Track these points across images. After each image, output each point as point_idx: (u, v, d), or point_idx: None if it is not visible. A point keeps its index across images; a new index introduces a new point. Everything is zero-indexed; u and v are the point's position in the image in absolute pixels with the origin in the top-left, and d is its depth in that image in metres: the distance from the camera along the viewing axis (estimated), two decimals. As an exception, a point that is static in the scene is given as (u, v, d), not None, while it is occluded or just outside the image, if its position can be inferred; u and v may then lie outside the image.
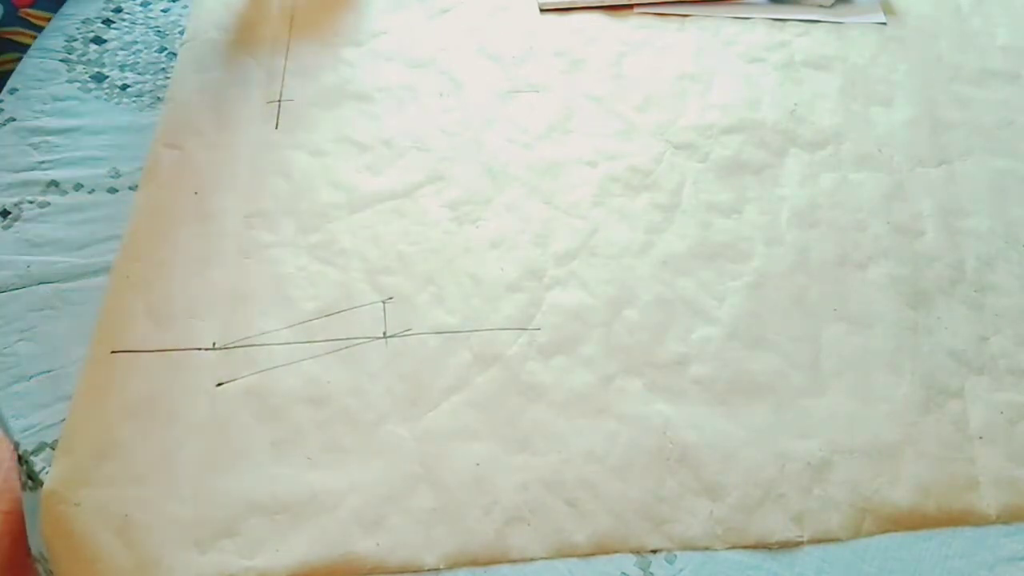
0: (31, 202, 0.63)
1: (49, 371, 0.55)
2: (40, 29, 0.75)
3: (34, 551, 0.51)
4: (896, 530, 0.50)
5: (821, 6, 0.79)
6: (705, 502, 0.51)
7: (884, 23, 0.78)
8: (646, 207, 0.64)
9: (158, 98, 0.71)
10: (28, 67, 0.72)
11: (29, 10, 0.74)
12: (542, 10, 0.79)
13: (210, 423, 0.52)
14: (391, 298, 0.59)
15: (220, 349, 0.56)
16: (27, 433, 0.52)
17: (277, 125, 0.69)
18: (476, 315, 0.58)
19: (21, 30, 0.78)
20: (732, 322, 0.58)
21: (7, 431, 0.52)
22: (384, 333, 0.57)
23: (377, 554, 0.48)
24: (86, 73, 0.72)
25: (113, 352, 0.55)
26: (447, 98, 0.71)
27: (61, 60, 0.73)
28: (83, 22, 0.76)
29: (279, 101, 0.70)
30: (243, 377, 0.54)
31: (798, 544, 0.50)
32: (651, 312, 0.59)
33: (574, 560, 0.49)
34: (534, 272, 0.60)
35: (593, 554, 0.49)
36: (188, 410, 0.53)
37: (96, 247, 0.61)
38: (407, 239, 0.62)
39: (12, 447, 0.52)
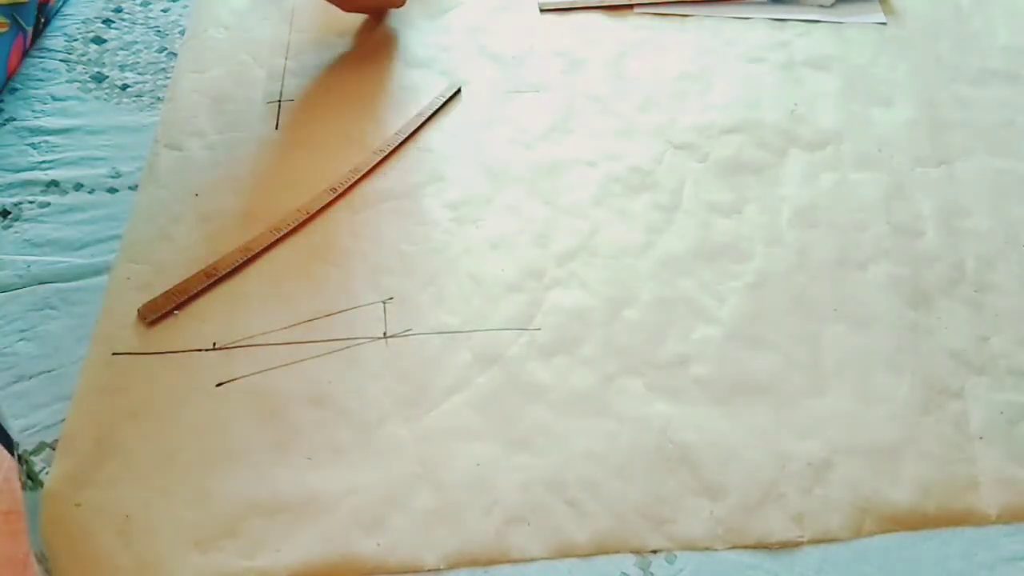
0: (31, 202, 0.63)
1: (49, 371, 0.55)
2: None
3: (34, 551, 0.51)
4: (896, 530, 0.50)
5: (821, 6, 0.79)
6: (705, 502, 0.51)
7: (884, 23, 0.78)
8: (646, 207, 0.64)
9: (158, 98, 0.71)
10: (28, 67, 0.72)
11: None
12: (542, 10, 0.79)
13: (210, 423, 0.52)
14: (391, 298, 0.59)
15: (220, 349, 0.56)
16: (27, 433, 0.52)
17: (277, 125, 0.69)
18: (476, 315, 0.58)
19: None
20: (732, 322, 0.58)
21: (7, 431, 0.52)
22: (384, 333, 0.57)
23: (377, 554, 0.48)
24: (86, 73, 0.72)
25: (114, 353, 0.55)
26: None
27: (61, 60, 0.73)
28: (83, 22, 0.76)
29: (279, 101, 0.70)
30: (243, 377, 0.54)
31: (798, 544, 0.50)
32: (651, 312, 0.59)
33: (574, 560, 0.49)
34: (534, 272, 0.60)
35: (593, 554, 0.49)
36: (188, 410, 0.53)
37: (96, 247, 0.61)
38: (407, 239, 0.62)
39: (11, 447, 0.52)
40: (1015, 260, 0.62)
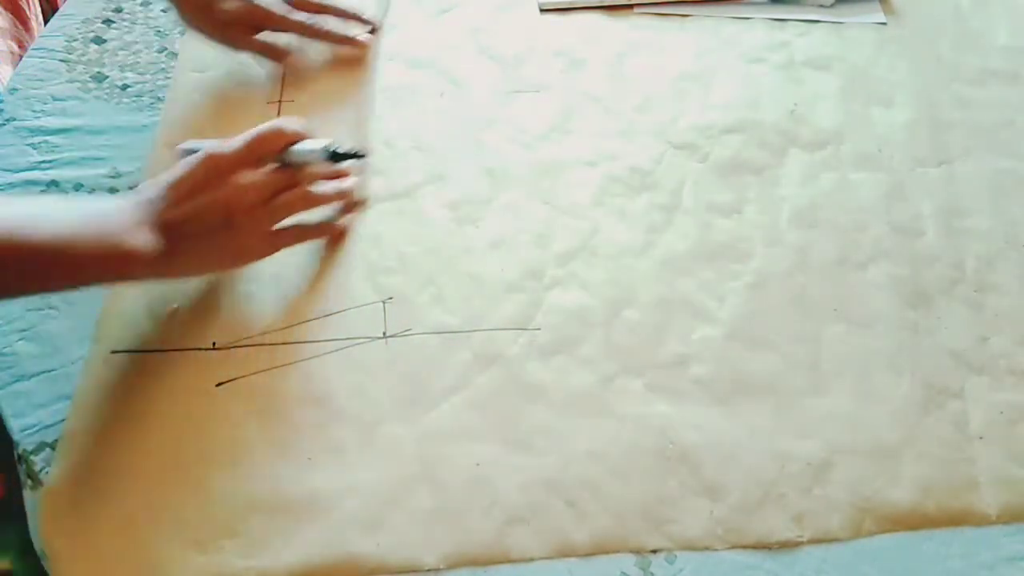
0: (31, 202, 0.63)
1: (49, 371, 0.55)
2: None
3: (35, 549, 0.51)
4: (896, 530, 0.50)
5: (821, 6, 0.79)
6: (705, 502, 0.51)
7: (884, 23, 0.78)
8: (646, 207, 0.64)
9: (158, 98, 0.71)
10: (28, 67, 0.72)
11: None
12: (542, 10, 0.79)
13: (210, 423, 0.52)
14: (391, 298, 0.59)
15: (220, 349, 0.56)
16: (27, 433, 0.52)
17: (277, 125, 0.68)
18: (476, 315, 0.58)
19: None
20: (732, 322, 0.58)
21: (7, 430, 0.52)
22: (384, 333, 0.57)
23: (377, 554, 0.48)
24: (86, 73, 0.72)
25: (113, 352, 0.55)
26: (447, 98, 0.71)
27: (61, 60, 0.73)
28: (83, 22, 0.76)
29: (279, 101, 0.70)
30: (243, 377, 0.54)
31: (798, 544, 0.50)
32: (651, 312, 0.59)
33: (574, 560, 0.49)
34: (534, 272, 0.60)
35: (593, 554, 0.49)
36: (188, 410, 0.53)
37: (96, 247, 0.60)
38: (407, 239, 0.62)
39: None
40: (1015, 260, 0.62)
